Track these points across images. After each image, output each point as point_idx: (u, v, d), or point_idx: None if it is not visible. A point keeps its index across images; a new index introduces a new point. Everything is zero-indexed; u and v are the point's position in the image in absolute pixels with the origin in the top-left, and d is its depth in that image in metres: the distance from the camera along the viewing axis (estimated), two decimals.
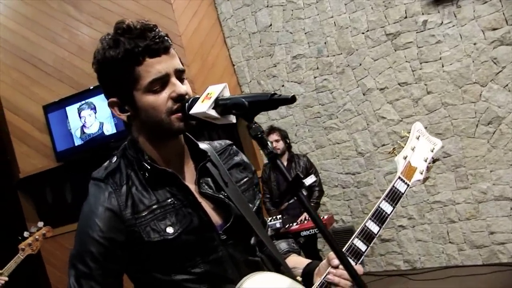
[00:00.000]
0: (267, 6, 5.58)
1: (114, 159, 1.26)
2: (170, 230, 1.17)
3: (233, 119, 1.07)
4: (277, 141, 4.70)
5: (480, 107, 4.65)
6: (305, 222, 4.48)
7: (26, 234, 3.34)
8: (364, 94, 5.17)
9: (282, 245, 1.52)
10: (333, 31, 5.26)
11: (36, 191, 5.64)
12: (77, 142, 5.33)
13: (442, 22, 4.75)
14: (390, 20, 5.00)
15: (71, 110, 5.32)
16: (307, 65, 5.42)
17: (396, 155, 1.49)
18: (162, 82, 1.14)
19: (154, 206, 1.18)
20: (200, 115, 1.06)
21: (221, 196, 1.27)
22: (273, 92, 0.98)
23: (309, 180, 4.39)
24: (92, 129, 5.31)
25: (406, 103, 4.98)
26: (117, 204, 1.17)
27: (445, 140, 4.78)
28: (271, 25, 5.60)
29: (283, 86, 5.63)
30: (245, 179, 1.36)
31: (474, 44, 4.60)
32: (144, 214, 1.17)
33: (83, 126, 5.32)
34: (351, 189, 5.34)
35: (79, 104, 5.29)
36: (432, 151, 1.51)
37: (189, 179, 1.26)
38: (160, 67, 1.13)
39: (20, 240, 3.31)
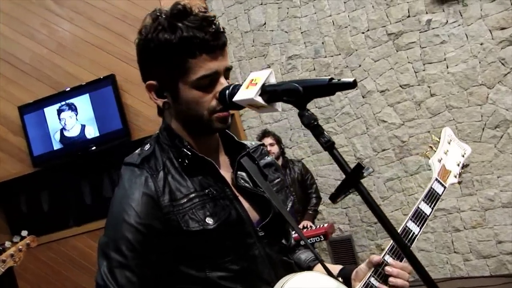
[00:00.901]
0: (261, 4, 5.54)
1: (148, 146, 1.25)
2: (210, 220, 1.16)
3: (279, 107, 1.05)
4: (271, 144, 4.67)
5: (486, 110, 4.66)
6: (304, 230, 4.46)
7: (7, 244, 3.16)
8: (363, 97, 5.15)
9: (307, 253, 1.52)
10: (332, 30, 5.23)
11: (9, 199, 5.52)
12: (56, 146, 5.22)
13: (447, 22, 4.76)
14: (392, 19, 5.00)
15: (50, 112, 5.21)
16: (303, 66, 5.39)
17: (429, 158, 1.56)
18: (211, 79, 1.15)
19: (192, 195, 1.18)
20: (244, 102, 1.06)
21: (260, 190, 1.28)
22: (330, 77, 0.96)
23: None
24: (72, 132, 5.22)
25: (408, 106, 4.98)
26: (154, 189, 1.15)
27: None
28: (265, 23, 5.56)
29: None
30: (278, 180, 1.39)
31: (481, 44, 4.61)
32: (182, 202, 1.16)
33: (63, 128, 5.22)
34: (349, 196, 5.13)
35: (58, 105, 5.18)
36: (463, 156, 1.60)
37: (225, 172, 1.27)
38: (213, 65, 1.14)
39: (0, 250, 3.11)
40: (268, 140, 4.69)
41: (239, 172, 1.29)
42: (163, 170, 1.18)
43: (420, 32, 4.87)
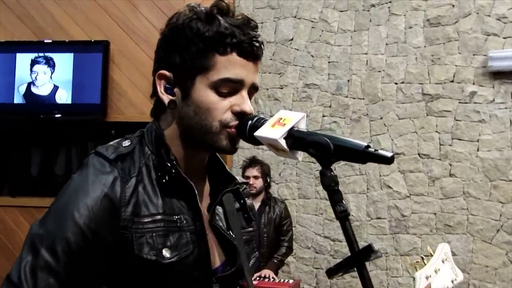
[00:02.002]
0: (295, 17, 5.40)
1: (127, 142, 1.20)
2: (167, 253, 1.14)
3: (300, 156, 1.07)
4: (255, 177, 4.55)
5: (508, 210, 4.54)
6: (265, 281, 4.30)
7: None
8: None
9: None
10: (362, 70, 5.13)
11: None
12: (18, 99, 5.04)
13: (493, 100, 4.66)
14: (432, 79, 4.90)
15: (22, 59, 5.01)
16: (319, 100, 5.28)
17: (416, 270, 1.57)
18: (233, 87, 1.14)
19: (159, 217, 1.15)
20: (265, 140, 1.06)
21: (232, 237, 1.27)
22: (367, 144, 0.95)
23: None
24: (42, 90, 5.03)
25: (421, 178, 4.88)
26: (119, 196, 1.11)
27: (453, 236, 4.68)
28: (292, 39, 5.43)
29: None
30: (250, 229, 1.38)
31: None
32: (144, 221, 1.13)
33: (32, 83, 5.04)
34: (325, 257, 5.16)
35: (35, 55, 4.99)
36: (453, 282, 1.58)
37: (203, 201, 1.25)
38: (241, 71, 1.13)
39: None
40: (252, 172, 4.57)
41: (218, 208, 1.27)
42: (136, 177, 1.15)
43: (459, 102, 4.76)
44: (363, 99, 5.12)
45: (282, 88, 5.47)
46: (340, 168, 5.14)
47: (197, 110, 1.15)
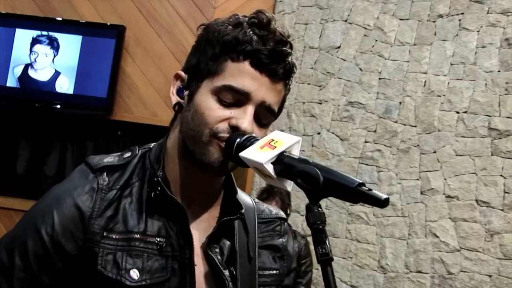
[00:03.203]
0: (345, 21, 5.34)
1: (128, 154, 1.30)
2: (134, 275, 1.19)
3: (289, 186, 1.11)
4: None
5: None
6: None
7: None
8: (422, 193, 4.89)
9: None
10: (418, 92, 4.99)
11: None
12: (11, 83, 5.05)
13: None
14: (503, 111, 4.69)
15: (22, 36, 5.03)
16: (363, 122, 5.17)
17: None
18: (237, 98, 1.19)
19: (135, 236, 1.21)
20: (251, 163, 1.11)
21: (226, 274, 1.28)
22: (361, 181, 1.00)
23: None
24: (40, 75, 5.03)
25: (477, 230, 4.66)
26: (91, 207, 1.21)
27: None
28: (339, 47, 5.36)
29: (318, 134, 5.37)
30: (273, 272, 1.39)
31: None
32: (117, 237, 1.20)
33: (30, 65, 5.04)
34: None
35: (37, 32, 5.00)
36: None
37: (201, 229, 1.29)
38: (249, 82, 1.19)
39: None
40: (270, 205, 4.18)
41: (220, 238, 1.30)
42: (121, 190, 1.23)
43: None
44: (416, 126, 4.97)
45: (321, 104, 5.40)
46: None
47: (194, 115, 1.21)
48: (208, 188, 1.31)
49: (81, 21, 5.02)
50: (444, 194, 4.81)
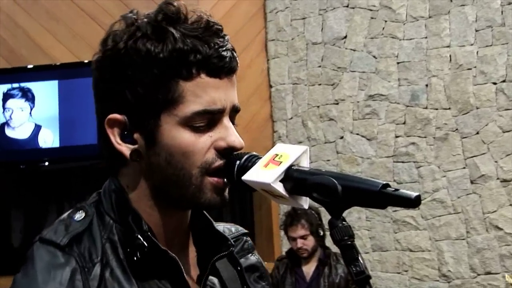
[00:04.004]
0: (347, 6, 5.36)
1: (80, 215, 1.21)
2: None
3: (305, 203, 1.11)
4: (304, 237, 4.41)
5: None
6: None
7: None
8: (472, 182, 4.86)
9: None
10: (445, 69, 4.94)
11: None
12: None
13: None
14: None
15: None
16: (389, 115, 5.14)
17: None
18: (210, 118, 1.16)
19: None
20: (257, 185, 1.10)
21: None
22: (384, 182, 0.99)
23: None
24: (19, 133, 4.99)
25: None
26: None
27: None
28: (346, 37, 5.37)
29: (342, 138, 5.35)
30: None
31: None
32: None
33: (6, 123, 4.99)
34: None
35: (7, 86, 4.98)
36: None
37: (190, 271, 1.28)
38: (217, 95, 1.16)
39: None
40: (298, 231, 4.42)
41: (210, 277, 1.29)
42: (101, 262, 1.16)
43: None
44: (449, 109, 4.94)
45: (337, 104, 5.38)
46: (426, 206, 5.00)
47: (169, 158, 1.17)
48: (185, 225, 1.29)
49: (54, 64, 4.99)
50: (498, 179, 4.74)
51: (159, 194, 1.20)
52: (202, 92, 1.14)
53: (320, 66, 5.42)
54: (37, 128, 4.93)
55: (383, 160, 5.12)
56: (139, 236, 1.16)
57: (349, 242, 0.99)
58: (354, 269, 0.97)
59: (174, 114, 1.14)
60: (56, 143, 4.90)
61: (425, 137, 4.96)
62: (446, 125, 4.89)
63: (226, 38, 1.19)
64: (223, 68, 1.15)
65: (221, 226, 1.40)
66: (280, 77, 5.72)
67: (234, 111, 1.20)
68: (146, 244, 1.16)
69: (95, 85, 1.21)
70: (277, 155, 1.11)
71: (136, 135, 1.17)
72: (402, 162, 5.05)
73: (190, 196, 1.17)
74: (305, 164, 1.11)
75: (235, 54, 1.19)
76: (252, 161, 1.13)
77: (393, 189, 0.97)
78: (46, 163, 4.90)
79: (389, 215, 5.05)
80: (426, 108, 4.97)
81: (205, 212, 1.31)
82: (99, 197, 1.23)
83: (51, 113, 4.89)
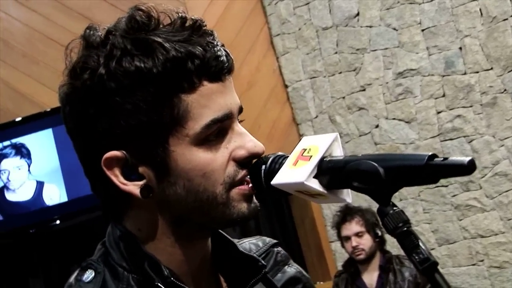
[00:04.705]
0: None
1: (89, 275, 1.19)
2: None
3: (348, 196, 1.11)
4: (359, 235, 4.41)
5: None
6: None
7: None
8: None
9: None
10: (478, 26, 4.84)
11: None
12: None
13: None
14: None
15: None
16: (424, 90, 5.10)
17: None
18: (220, 127, 1.15)
19: None
20: (289, 187, 1.10)
21: None
22: (431, 153, 0.97)
23: None
24: (21, 195, 4.88)
25: None
26: None
27: None
28: (358, 14, 5.35)
29: (377, 127, 5.34)
30: None
31: None
32: None
33: (5, 187, 4.91)
34: None
35: None
36: None
37: None
38: (223, 100, 1.15)
39: None
40: (352, 228, 4.41)
41: None
42: None
43: None
44: (491, 69, 4.82)
45: (364, 90, 5.35)
46: (488, 183, 4.94)
47: (188, 185, 1.14)
48: (204, 254, 1.27)
49: (44, 111, 4.87)
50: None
51: (181, 227, 1.19)
52: (208, 101, 1.13)
53: (336, 53, 5.42)
54: (40, 185, 4.84)
55: (428, 142, 5.06)
56: (159, 284, 1.14)
57: (405, 229, 0.97)
58: (416, 257, 0.95)
59: (183, 134, 1.12)
60: (64, 198, 4.81)
61: (470, 106, 4.89)
62: (491, 88, 4.80)
63: (215, 34, 1.18)
64: (223, 69, 1.14)
65: (246, 243, 1.39)
66: (294, 74, 5.73)
67: (239, 113, 1.20)
68: None
69: (75, 125, 1.16)
70: (305, 149, 1.10)
71: (141, 169, 1.14)
72: (451, 139, 4.99)
73: (219, 216, 1.16)
74: (338, 152, 1.10)
75: (227, 50, 1.19)
76: (279, 162, 1.12)
77: (442, 159, 0.96)
78: (58, 222, 4.81)
79: (448, 202, 5.00)
80: (465, 73, 4.90)
81: (222, 232, 1.31)
82: (105, 248, 1.21)
83: (51, 166, 4.81)
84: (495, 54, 4.76)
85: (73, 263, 5.05)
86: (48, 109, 4.85)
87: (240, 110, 1.19)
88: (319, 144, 1.09)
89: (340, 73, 5.39)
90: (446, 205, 5.04)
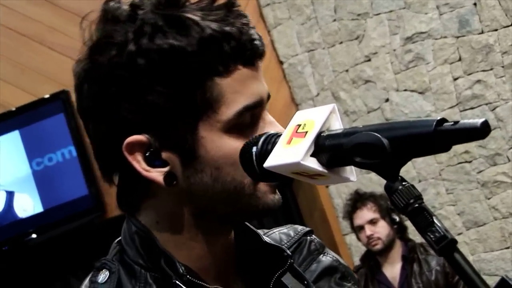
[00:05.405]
0: None
1: (104, 276, 1.21)
2: None
3: (351, 174, 1.10)
4: (373, 222, 4.43)
5: None
6: None
7: None
8: None
9: None
10: None
11: None
12: None
13: None
14: None
15: None
16: (438, 54, 5.02)
17: None
18: (252, 114, 1.18)
19: None
20: (284, 169, 1.08)
21: None
22: (440, 118, 0.96)
23: None
24: None
25: None
26: None
27: None
28: None
29: (387, 101, 5.30)
30: None
31: None
32: None
33: None
34: None
35: None
36: None
37: None
38: (255, 85, 1.18)
39: None
40: (364, 215, 4.45)
41: None
42: None
43: None
44: (510, 26, 4.71)
45: (369, 60, 5.30)
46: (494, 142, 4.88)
47: (216, 173, 1.17)
48: (232, 248, 1.31)
49: (8, 111, 4.96)
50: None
51: (203, 220, 1.21)
52: (241, 87, 1.14)
53: (335, 20, 5.37)
54: (10, 195, 4.92)
55: (446, 113, 4.92)
56: (178, 282, 1.15)
57: (417, 205, 0.95)
58: (432, 236, 0.93)
59: (215, 120, 1.14)
60: (38, 208, 4.89)
61: (491, 69, 4.80)
62: None
63: (248, 16, 1.19)
64: (256, 53, 1.16)
65: (276, 234, 1.41)
66: (289, 48, 5.77)
67: (267, 100, 1.24)
68: None
69: (93, 105, 1.16)
70: (299, 125, 1.08)
71: (165, 155, 1.15)
72: (471, 108, 4.91)
73: (244, 207, 1.19)
74: (336, 126, 1.08)
75: (260, 34, 1.22)
76: (271, 142, 1.11)
77: (452, 123, 0.94)
78: (34, 235, 4.88)
79: (474, 179, 4.94)
80: (482, 33, 4.80)
81: (248, 224, 1.32)
82: (120, 246, 1.23)
83: (21, 173, 4.91)
84: None
85: (55, 280, 5.14)
86: (13, 109, 4.96)
87: (268, 97, 1.22)
88: (315, 118, 1.08)
89: (341, 43, 5.35)
90: (471, 183, 4.98)
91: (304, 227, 1.45)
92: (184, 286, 1.16)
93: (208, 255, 1.23)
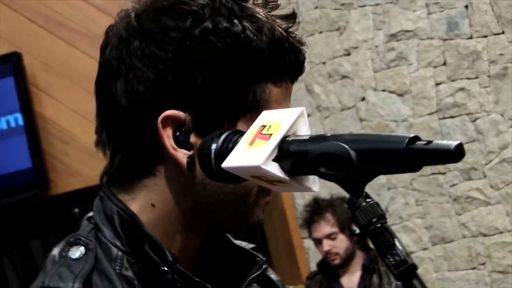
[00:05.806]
0: None
1: (79, 251, 1.23)
2: None
3: (314, 184, 1.12)
4: (331, 237, 4.46)
5: None
6: None
7: None
8: None
9: None
10: None
11: None
12: None
13: None
14: None
15: None
16: (422, 56, 5.03)
17: None
18: None
19: None
20: (243, 171, 1.10)
21: None
22: (412, 135, 0.98)
23: None
24: None
25: None
26: None
27: None
28: None
29: (363, 100, 5.31)
30: None
31: None
32: None
33: None
34: None
35: None
36: None
37: None
38: (288, 104, 1.25)
39: None
40: (322, 229, 4.49)
41: None
42: None
43: None
44: (503, 33, 4.71)
45: (349, 54, 5.32)
46: (493, 171, 4.90)
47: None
48: (197, 247, 1.34)
49: None
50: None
51: (197, 216, 1.25)
52: (283, 101, 1.21)
53: (317, 7, 5.38)
54: None
55: (424, 120, 5.02)
56: (166, 268, 1.18)
57: (379, 225, 0.95)
58: (391, 259, 0.94)
59: (252, 120, 1.17)
60: (28, 164, 4.93)
61: (476, 77, 4.78)
62: (502, 56, 4.69)
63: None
64: (301, 71, 1.23)
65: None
66: None
67: None
68: (179, 279, 1.20)
69: (139, 64, 1.17)
70: (264, 126, 1.10)
71: (193, 139, 1.18)
72: (451, 117, 4.92)
73: (240, 215, 1.24)
74: (303, 131, 1.11)
75: None
76: (233, 141, 1.13)
77: (425, 142, 0.95)
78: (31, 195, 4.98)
79: (446, 192, 4.95)
80: (470, 38, 4.78)
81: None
82: (94, 224, 1.25)
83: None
84: (508, 15, 4.64)
85: None
86: None
87: None
88: (281, 121, 1.09)
89: (321, 32, 5.36)
90: (442, 196, 5.01)
91: (248, 243, 1.44)
92: (175, 273, 1.18)
93: (185, 251, 1.26)
